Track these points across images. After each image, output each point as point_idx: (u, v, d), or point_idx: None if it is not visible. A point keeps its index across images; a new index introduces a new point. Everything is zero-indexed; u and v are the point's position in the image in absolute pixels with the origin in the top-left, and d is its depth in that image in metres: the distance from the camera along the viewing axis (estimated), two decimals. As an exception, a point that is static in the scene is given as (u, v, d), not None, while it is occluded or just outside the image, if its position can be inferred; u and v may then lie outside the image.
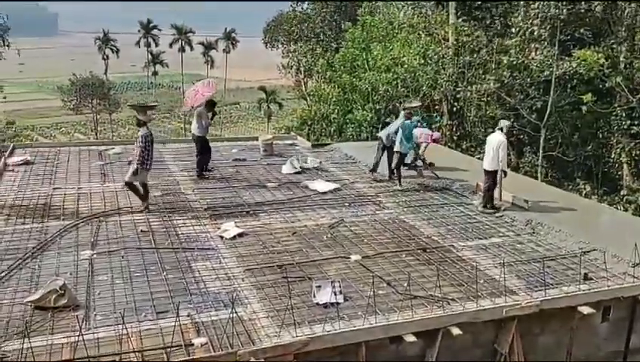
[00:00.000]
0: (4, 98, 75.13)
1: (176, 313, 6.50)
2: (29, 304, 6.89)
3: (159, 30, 78.38)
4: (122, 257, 8.47)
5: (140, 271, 8.04)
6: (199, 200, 11.16)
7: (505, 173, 11.04)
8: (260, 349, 6.13)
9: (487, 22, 22.69)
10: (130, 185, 10.57)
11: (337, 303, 7.13)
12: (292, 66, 39.17)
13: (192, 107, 13.12)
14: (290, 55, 39.86)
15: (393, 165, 12.76)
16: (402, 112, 13.04)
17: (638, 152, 20.10)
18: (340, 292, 7.30)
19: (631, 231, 9.99)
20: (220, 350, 6.14)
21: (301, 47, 38.05)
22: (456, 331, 6.94)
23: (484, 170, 11.05)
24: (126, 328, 6.18)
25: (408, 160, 13.49)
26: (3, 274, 7.71)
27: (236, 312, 6.69)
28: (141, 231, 9.50)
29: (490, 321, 7.31)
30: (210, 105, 13.08)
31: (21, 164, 13.18)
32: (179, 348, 6.19)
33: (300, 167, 13.50)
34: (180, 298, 7.20)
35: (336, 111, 25.60)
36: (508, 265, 8.27)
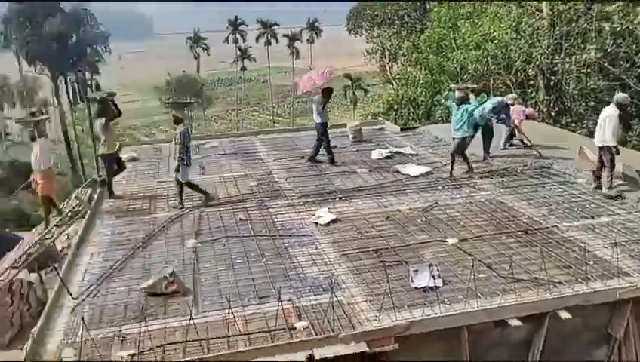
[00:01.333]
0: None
1: (278, 298, 6.69)
2: (143, 290, 7.39)
3: (246, 26, 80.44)
4: (224, 245, 8.84)
5: (241, 258, 8.36)
6: (293, 189, 11.39)
7: (616, 148, 10.19)
8: (361, 332, 6.18)
9: (586, -13, 21.14)
10: (185, 185, 10.59)
11: (436, 287, 7.02)
12: (376, 51, 38.86)
13: (303, 92, 13.36)
14: (374, 40, 39.55)
15: (451, 150, 11.64)
16: (456, 94, 11.97)
17: None
18: (439, 276, 7.18)
19: None
20: (321, 333, 6.26)
21: (385, 31, 37.61)
22: (564, 315, 6.61)
23: (598, 147, 10.33)
24: (232, 312, 6.46)
25: (497, 142, 12.78)
26: (118, 264, 8.32)
27: (336, 297, 6.78)
28: (240, 219, 9.86)
29: (603, 304, 6.88)
30: (327, 93, 13.00)
31: (128, 161, 14.09)
32: (282, 331, 6.39)
33: (390, 152, 13.38)
34: (280, 283, 7.40)
35: (423, 93, 25.07)
36: (620, 245, 7.72)
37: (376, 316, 6.55)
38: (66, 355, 5.90)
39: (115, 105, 11.08)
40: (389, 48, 35.90)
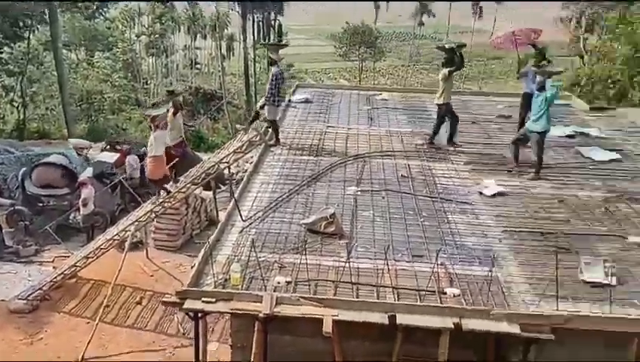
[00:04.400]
0: (287, 43, 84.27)
1: (434, 261, 6.58)
2: (304, 225, 7.75)
3: (430, -20, 77.86)
4: (383, 198, 8.89)
5: (399, 213, 8.35)
6: (459, 154, 10.98)
7: None
8: (516, 314, 5.87)
9: None
10: (272, 123, 11.02)
11: (609, 285, 6.37)
12: (571, 19, 35.29)
13: (499, 47, 12.77)
14: (573, 7, 35.85)
15: (535, 152, 9.89)
16: (537, 78, 10.01)
17: None
18: (614, 274, 6.50)
19: None
20: (472, 305, 6.07)
21: (587, -3, 33.90)
22: None
23: None
24: (386, 263, 6.52)
25: None
26: (284, 197, 8.79)
27: (494, 271, 6.49)
28: (402, 176, 9.79)
29: None
30: (541, 56, 11.39)
31: (302, 102, 14.66)
32: (432, 293, 6.31)
33: (574, 132, 12.21)
34: (435, 246, 7.27)
35: (622, 72, 22.30)
36: None
37: (534, 301, 6.16)
38: (233, 268, 6.44)
39: (461, 57, 11.38)
40: (588, 17, 32.32)
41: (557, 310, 5.93)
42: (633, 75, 21.64)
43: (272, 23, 67.82)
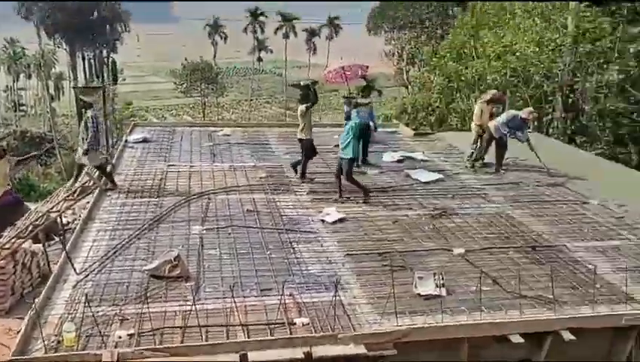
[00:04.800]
0: (124, 80, 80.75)
1: (281, 292, 6.65)
2: (146, 272, 7.38)
3: (266, 17, 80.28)
4: (229, 234, 8.82)
5: (246, 248, 8.33)
6: (301, 184, 11.34)
7: None
8: (361, 334, 6.14)
9: (613, 8, 20.88)
10: (98, 168, 10.74)
11: (440, 296, 6.96)
12: (394, 53, 38.78)
13: (331, 83, 13.35)
14: (394, 42, 39.45)
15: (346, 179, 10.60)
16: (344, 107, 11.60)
17: None
18: (443, 285, 7.12)
19: None
20: (320, 331, 6.22)
21: (405, 34, 37.50)
22: (567, 336, 6.52)
23: None
24: (233, 302, 6.44)
25: None
26: (124, 243, 8.31)
27: (338, 296, 6.74)
28: (247, 210, 9.83)
29: (607, 329, 6.81)
30: (368, 92, 13.18)
31: (140, 142, 14.10)
32: (282, 325, 6.35)
33: (402, 156, 13.31)
34: (282, 277, 7.36)
35: (439, 100, 24.93)
36: (630, 271, 7.62)
37: (377, 319, 6.50)
38: (66, 328, 5.88)
39: (315, 92, 11.45)
40: (408, 51, 35.80)
41: (397, 325, 6.31)
42: (449, 103, 24.31)
43: (105, 60, 64.67)
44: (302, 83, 12.15)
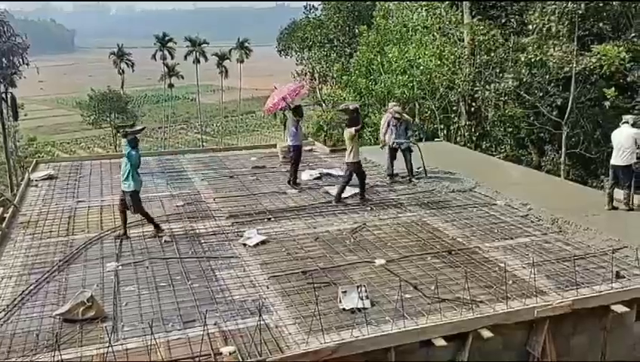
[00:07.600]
0: (25, 115, 76.36)
1: (204, 322, 6.48)
2: (58, 316, 6.94)
3: (175, 43, 78.99)
4: (147, 268, 8.50)
5: (166, 281, 8.05)
6: (221, 209, 11.18)
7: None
8: (289, 356, 6.08)
9: (503, 20, 22.43)
10: None
11: (364, 308, 7.05)
12: (306, 73, 39.32)
13: (277, 110, 13.42)
14: (305, 62, 40.02)
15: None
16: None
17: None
18: (367, 297, 7.22)
19: (661, 226, 9.76)
20: (248, 358, 6.10)
21: (315, 53, 38.16)
22: (486, 333, 6.82)
23: (615, 166, 10.79)
24: (154, 338, 6.18)
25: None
26: (31, 288, 7.77)
27: (263, 320, 6.65)
28: (165, 241, 9.53)
29: (522, 323, 7.16)
30: (299, 112, 13.10)
31: (45, 179, 13.34)
32: (207, 357, 6.17)
33: (320, 173, 13.47)
34: (206, 307, 7.16)
35: (352, 116, 25.46)
36: (537, 265, 8.10)
37: (304, 339, 6.47)
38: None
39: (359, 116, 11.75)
40: (319, 70, 36.45)
41: (324, 343, 6.31)
42: (362, 118, 24.88)
43: (4, 96, 60.79)
44: (350, 107, 12.13)
